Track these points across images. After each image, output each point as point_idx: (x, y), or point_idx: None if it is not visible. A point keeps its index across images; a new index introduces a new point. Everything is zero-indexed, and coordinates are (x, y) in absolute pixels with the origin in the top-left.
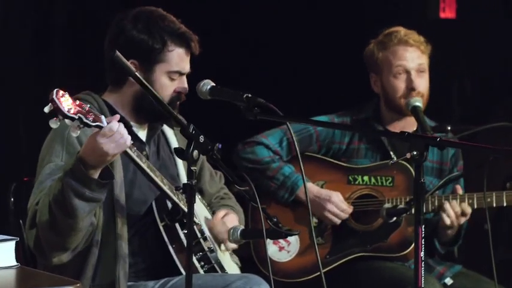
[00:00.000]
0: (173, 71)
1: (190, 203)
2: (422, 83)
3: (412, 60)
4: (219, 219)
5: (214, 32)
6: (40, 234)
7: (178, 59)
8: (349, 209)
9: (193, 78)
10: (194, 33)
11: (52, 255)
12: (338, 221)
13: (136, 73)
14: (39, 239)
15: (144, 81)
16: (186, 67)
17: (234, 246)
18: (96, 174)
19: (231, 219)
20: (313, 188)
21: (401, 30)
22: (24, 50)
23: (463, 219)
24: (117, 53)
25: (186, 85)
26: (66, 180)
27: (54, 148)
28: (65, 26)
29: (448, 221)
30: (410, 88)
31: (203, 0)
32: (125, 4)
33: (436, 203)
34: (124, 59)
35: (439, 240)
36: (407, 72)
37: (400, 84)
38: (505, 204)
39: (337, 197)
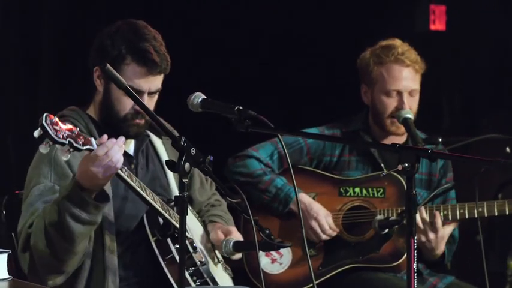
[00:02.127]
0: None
1: (182, 215)
2: (413, 104)
3: (406, 81)
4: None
5: (204, 42)
6: (36, 258)
7: (133, 74)
8: (332, 232)
9: (184, 90)
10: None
11: (47, 279)
12: (317, 240)
13: (127, 86)
14: (33, 262)
15: (135, 94)
16: (142, 85)
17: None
18: (91, 197)
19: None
20: (305, 199)
21: (399, 47)
22: (12, 65)
23: (437, 233)
24: (108, 66)
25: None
26: (63, 203)
27: (41, 169)
28: (52, 40)
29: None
30: (400, 108)
31: (194, 10)
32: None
33: (428, 214)
34: (114, 72)
35: (426, 261)
36: (400, 93)
37: (391, 103)
38: (496, 214)
39: (323, 217)
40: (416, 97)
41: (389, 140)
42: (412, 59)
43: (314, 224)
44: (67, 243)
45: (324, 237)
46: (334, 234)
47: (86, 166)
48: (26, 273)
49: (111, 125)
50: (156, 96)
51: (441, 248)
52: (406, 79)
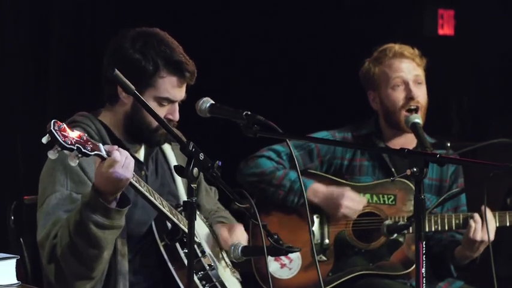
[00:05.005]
0: (162, 97)
1: (191, 220)
2: (420, 93)
3: (409, 71)
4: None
5: (213, 49)
6: (64, 267)
7: (169, 86)
8: (363, 200)
9: (193, 95)
10: (193, 58)
11: (77, 285)
12: (355, 215)
13: (135, 91)
14: (60, 272)
15: (143, 99)
16: (177, 95)
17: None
18: (115, 201)
19: (237, 233)
20: (322, 188)
21: (396, 46)
22: (21, 71)
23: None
24: (116, 71)
25: (176, 114)
26: (86, 213)
27: (56, 177)
28: (62, 48)
29: (477, 235)
30: (409, 98)
31: (203, 17)
32: (122, 26)
33: (439, 221)
34: (123, 77)
35: (455, 265)
36: (405, 83)
37: (399, 95)
38: (508, 224)
39: (349, 191)
40: (423, 87)
41: (402, 141)
42: (410, 52)
43: (345, 201)
44: (95, 250)
45: (360, 207)
46: (366, 201)
47: (107, 173)
48: (54, 283)
49: (141, 136)
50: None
51: (481, 250)
52: (408, 68)
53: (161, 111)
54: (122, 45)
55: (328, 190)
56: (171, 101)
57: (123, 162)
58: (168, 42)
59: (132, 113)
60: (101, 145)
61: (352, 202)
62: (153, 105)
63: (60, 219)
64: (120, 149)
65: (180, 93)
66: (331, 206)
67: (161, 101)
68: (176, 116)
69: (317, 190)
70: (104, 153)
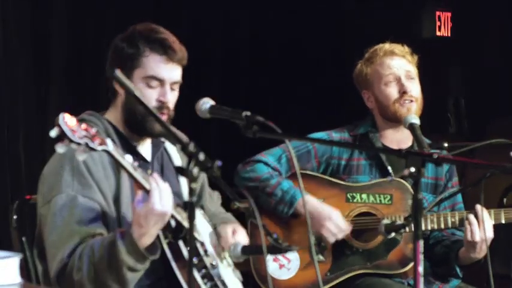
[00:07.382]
0: (148, 76)
1: (191, 221)
2: (413, 88)
3: (400, 67)
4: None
5: (213, 49)
6: None
7: (154, 64)
8: (347, 228)
9: (193, 97)
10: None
11: None
12: (333, 240)
13: (135, 92)
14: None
15: (142, 100)
16: (164, 74)
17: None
18: (147, 252)
19: (239, 235)
20: (313, 201)
21: (386, 44)
22: (23, 69)
23: (488, 232)
24: (117, 71)
25: (167, 95)
26: (123, 258)
27: (63, 177)
28: (64, 44)
29: (469, 236)
30: (402, 92)
31: (203, 18)
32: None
33: (436, 220)
34: (124, 78)
35: (460, 265)
36: (397, 79)
37: (392, 91)
38: (503, 222)
39: (337, 216)
40: (416, 82)
41: (399, 137)
42: (401, 49)
43: (329, 224)
44: (120, 286)
45: (341, 236)
46: (349, 231)
47: (146, 221)
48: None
49: (137, 124)
50: (176, 91)
51: (484, 249)
52: (399, 65)
53: (152, 94)
54: (115, 41)
55: (319, 206)
56: (159, 80)
57: (164, 195)
58: (155, 28)
59: (126, 100)
60: (108, 140)
61: (335, 228)
62: (142, 87)
63: (75, 233)
64: (158, 179)
65: (168, 73)
66: (315, 223)
67: (149, 81)
68: (168, 98)
69: (307, 202)
70: (111, 149)
